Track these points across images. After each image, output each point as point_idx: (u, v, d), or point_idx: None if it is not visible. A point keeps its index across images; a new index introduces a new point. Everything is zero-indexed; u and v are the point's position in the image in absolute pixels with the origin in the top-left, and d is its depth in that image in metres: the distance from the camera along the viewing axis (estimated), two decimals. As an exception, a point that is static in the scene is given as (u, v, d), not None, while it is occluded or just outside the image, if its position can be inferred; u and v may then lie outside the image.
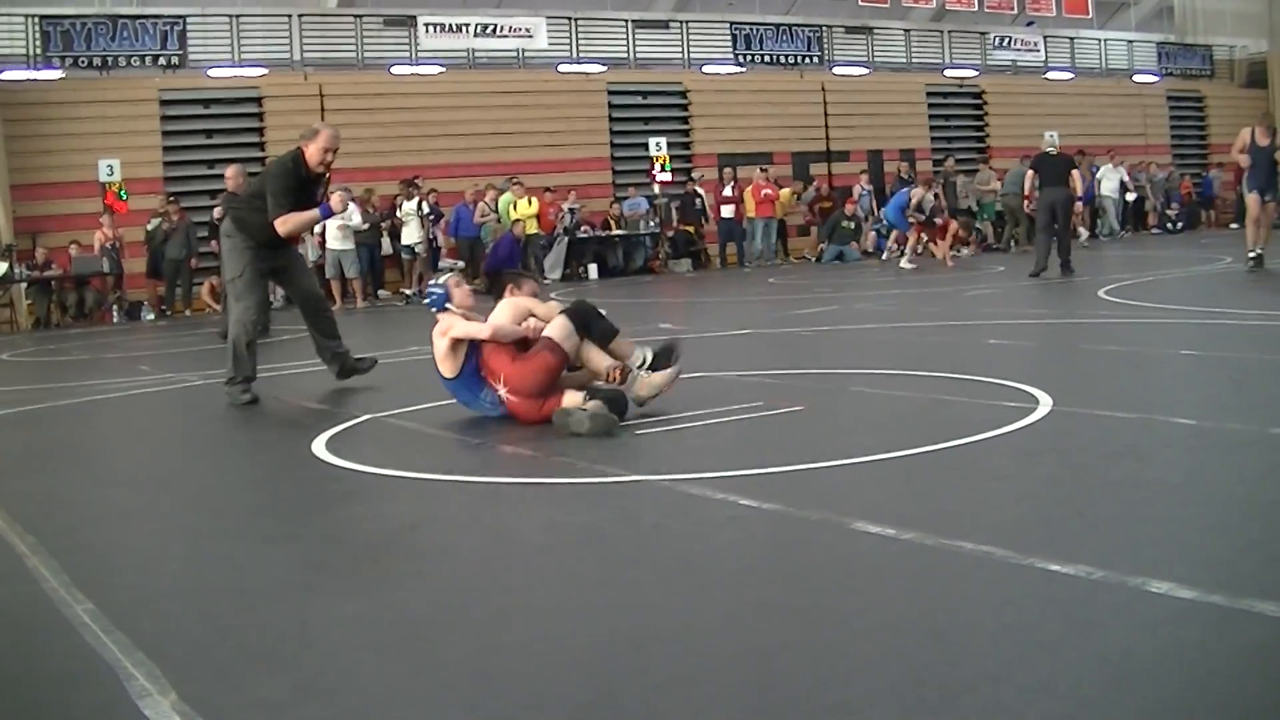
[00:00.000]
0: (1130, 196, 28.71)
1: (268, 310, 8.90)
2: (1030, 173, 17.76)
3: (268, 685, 3.08)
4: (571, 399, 6.58)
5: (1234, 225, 27.37)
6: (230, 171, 14.00)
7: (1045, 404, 6.30)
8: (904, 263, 20.77)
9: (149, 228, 20.45)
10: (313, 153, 8.62)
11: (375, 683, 3.09)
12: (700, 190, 25.59)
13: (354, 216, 19.88)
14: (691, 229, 25.62)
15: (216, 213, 13.52)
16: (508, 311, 7.06)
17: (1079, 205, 19.65)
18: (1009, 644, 3.08)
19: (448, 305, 7.08)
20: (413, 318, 16.86)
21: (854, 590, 3.66)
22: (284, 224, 8.54)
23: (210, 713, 2.85)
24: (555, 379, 6.80)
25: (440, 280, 7.25)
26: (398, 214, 21.25)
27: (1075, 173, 17.58)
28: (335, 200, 8.80)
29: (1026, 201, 18.85)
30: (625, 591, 3.75)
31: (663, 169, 25.61)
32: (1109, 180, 27.91)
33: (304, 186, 8.66)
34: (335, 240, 19.79)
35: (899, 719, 2.68)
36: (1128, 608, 3.25)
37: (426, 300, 7.35)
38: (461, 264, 21.43)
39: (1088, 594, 3.38)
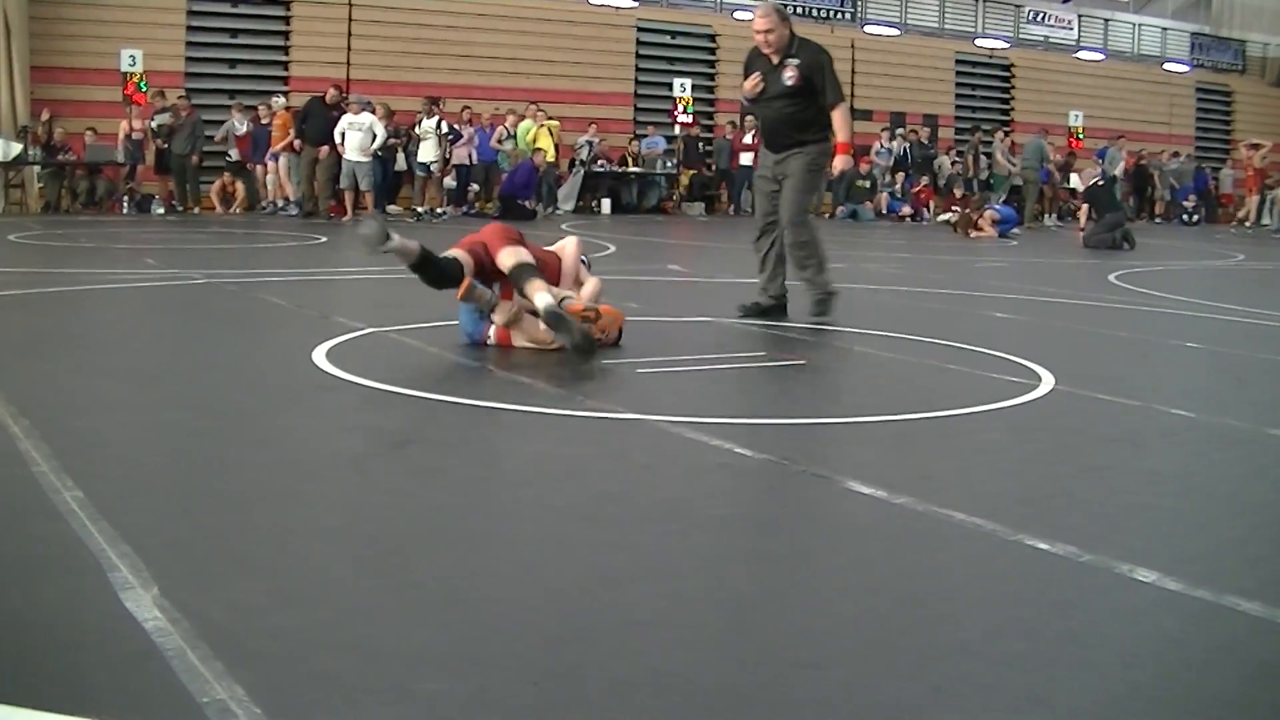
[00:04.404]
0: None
1: (760, 228, 8.89)
2: None
3: (244, 589, 3.08)
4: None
5: (1248, 225, 27.28)
6: None
7: (1047, 382, 6.29)
8: None
9: (152, 124, 20.30)
10: None
11: (350, 596, 3.09)
12: (714, 135, 25.51)
13: (378, 130, 19.78)
14: (696, 171, 25.54)
15: None
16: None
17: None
18: (987, 616, 3.09)
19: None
20: (420, 235, 16.76)
21: (838, 548, 3.67)
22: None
23: (189, 611, 2.86)
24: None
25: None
26: (416, 130, 21.13)
27: None
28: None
29: None
30: (607, 528, 3.75)
31: (685, 111, 25.46)
32: (1117, 163, 27.74)
33: (764, 70, 8.55)
34: (353, 152, 19.68)
35: (870, 680, 2.68)
36: (1110, 592, 3.25)
37: None
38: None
39: (1072, 575, 3.38)
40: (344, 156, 19.85)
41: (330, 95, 20.19)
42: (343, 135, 19.65)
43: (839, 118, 8.47)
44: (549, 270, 7.03)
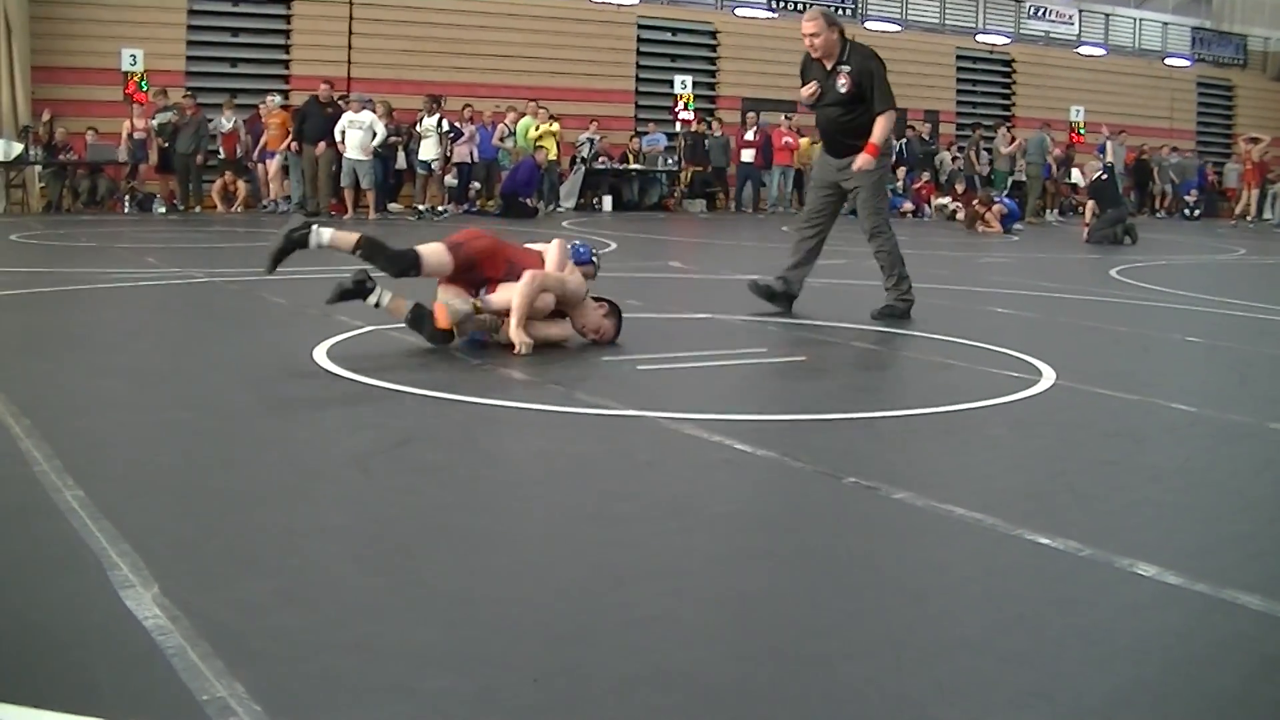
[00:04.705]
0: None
1: (807, 220, 9.08)
2: None
3: (248, 588, 3.08)
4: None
5: (1248, 220, 27.23)
6: None
7: (1048, 377, 6.29)
8: None
9: (154, 122, 20.31)
10: None
11: (355, 594, 3.09)
12: (709, 132, 25.46)
13: (378, 128, 19.77)
14: (700, 169, 25.54)
15: None
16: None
17: None
18: (991, 612, 3.08)
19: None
20: (422, 233, 16.75)
21: (841, 544, 3.66)
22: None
23: (190, 610, 2.86)
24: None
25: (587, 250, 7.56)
26: (417, 129, 21.13)
27: None
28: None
29: None
30: (611, 526, 3.75)
31: (686, 108, 25.44)
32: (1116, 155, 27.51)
33: (819, 76, 8.63)
34: (354, 150, 19.67)
35: (875, 677, 2.68)
36: (1113, 587, 3.25)
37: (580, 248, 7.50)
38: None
39: (1074, 570, 3.38)
40: (345, 155, 19.84)
41: (323, 92, 20.18)
42: (343, 134, 19.64)
43: (880, 123, 8.50)
44: (534, 267, 6.94)
